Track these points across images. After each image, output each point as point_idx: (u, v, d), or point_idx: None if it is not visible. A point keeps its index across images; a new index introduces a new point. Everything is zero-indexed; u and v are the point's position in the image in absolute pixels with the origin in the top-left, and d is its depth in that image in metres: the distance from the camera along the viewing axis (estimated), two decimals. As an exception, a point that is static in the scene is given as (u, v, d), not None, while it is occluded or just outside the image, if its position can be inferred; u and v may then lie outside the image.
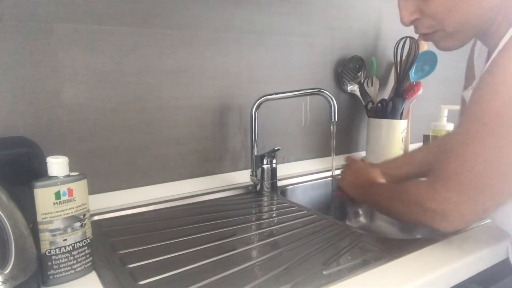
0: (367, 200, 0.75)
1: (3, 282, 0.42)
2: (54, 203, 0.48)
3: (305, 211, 0.78)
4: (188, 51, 0.87)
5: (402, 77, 1.12)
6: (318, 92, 0.86)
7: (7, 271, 0.43)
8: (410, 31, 1.17)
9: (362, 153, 1.25)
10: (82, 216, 0.51)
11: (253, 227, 0.70)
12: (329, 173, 1.06)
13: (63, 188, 0.49)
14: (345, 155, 1.21)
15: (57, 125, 0.74)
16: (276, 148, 0.91)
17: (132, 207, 0.78)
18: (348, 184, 0.82)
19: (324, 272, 0.52)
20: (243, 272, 0.53)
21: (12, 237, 0.44)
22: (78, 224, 0.51)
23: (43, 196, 0.48)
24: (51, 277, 0.50)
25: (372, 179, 0.78)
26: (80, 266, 0.52)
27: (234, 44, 0.94)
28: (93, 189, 0.79)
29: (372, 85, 1.18)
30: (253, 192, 0.92)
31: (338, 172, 1.10)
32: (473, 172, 0.51)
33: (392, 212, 0.65)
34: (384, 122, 1.11)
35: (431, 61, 1.14)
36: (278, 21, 1.00)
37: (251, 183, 0.93)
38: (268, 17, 0.98)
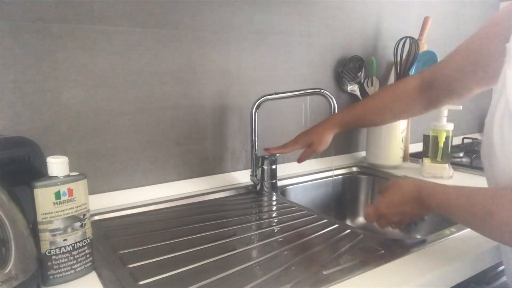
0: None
1: (3, 282, 0.42)
2: (54, 203, 0.48)
3: (305, 211, 0.78)
4: (188, 51, 0.87)
5: (402, 77, 1.12)
6: (318, 92, 0.86)
7: (7, 271, 0.43)
8: (410, 31, 1.17)
9: (362, 153, 1.25)
10: (82, 216, 0.51)
11: (253, 227, 0.70)
12: (329, 173, 1.06)
13: (63, 188, 0.49)
14: (347, 155, 1.22)
15: (57, 125, 0.74)
16: (276, 148, 0.91)
17: (132, 207, 0.78)
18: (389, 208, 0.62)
19: (324, 272, 0.52)
20: (243, 272, 0.53)
21: (12, 237, 0.44)
22: (78, 224, 0.51)
23: (43, 196, 0.48)
24: (51, 277, 0.50)
25: (417, 187, 0.59)
26: (80, 266, 0.52)
27: (234, 44, 0.94)
28: (93, 189, 0.79)
29: (372, 85, 1.18)
30: (253, 192, 0.92)
31: (337, 172, 1.10)
32: None
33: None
34: (384, 122, 1.11)
35: (431, 61, 1.14)
36: (278, 21, 1.00)
37: (251, 183, 0.93)
38: (268, 16, 0.98)
